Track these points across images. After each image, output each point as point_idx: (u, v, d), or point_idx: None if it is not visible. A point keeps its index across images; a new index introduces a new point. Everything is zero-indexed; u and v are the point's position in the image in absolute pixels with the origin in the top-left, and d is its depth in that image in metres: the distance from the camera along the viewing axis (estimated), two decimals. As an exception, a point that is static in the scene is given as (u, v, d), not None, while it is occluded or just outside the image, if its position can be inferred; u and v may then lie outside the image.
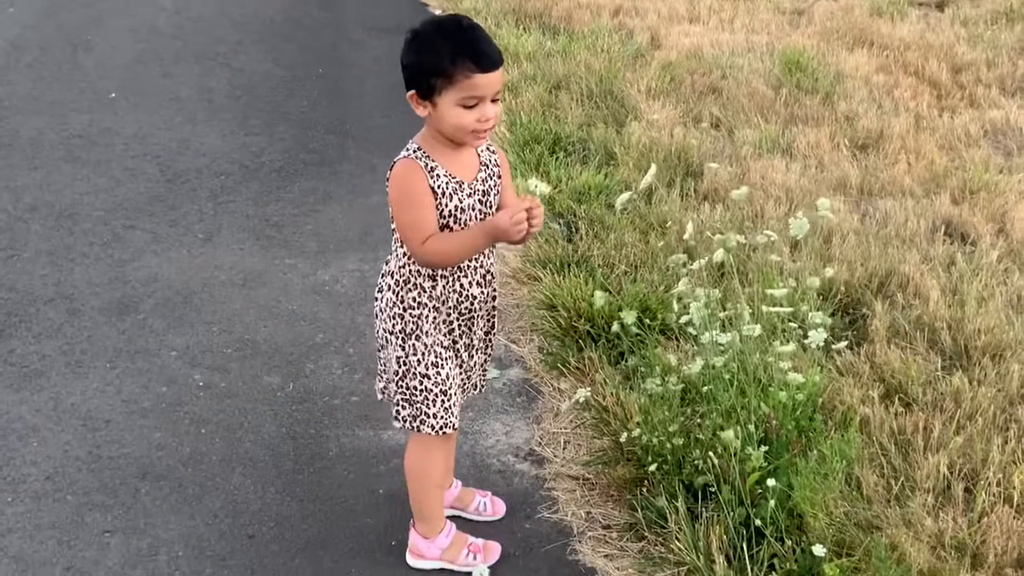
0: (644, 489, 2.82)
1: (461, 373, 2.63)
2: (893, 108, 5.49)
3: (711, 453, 2.66)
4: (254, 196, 4.89)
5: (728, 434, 2.59)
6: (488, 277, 2.57)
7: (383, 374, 2.63)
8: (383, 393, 2.66)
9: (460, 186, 2.43)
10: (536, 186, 2.59)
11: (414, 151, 2.42)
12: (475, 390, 2.76)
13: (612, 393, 3.12)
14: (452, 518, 2.84)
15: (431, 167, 2.39)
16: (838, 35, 6.75)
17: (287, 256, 4.33)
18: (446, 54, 2.29)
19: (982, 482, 2.73)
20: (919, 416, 3.01)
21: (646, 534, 2.73)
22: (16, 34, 7.24)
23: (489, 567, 2.69)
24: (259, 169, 5.20)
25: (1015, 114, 5.39)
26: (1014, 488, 2.71)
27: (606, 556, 2.75)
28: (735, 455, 2.63)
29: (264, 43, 7.27)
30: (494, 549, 2.76)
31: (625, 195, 2.90)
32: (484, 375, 2.77)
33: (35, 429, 3.22)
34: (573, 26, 6.92)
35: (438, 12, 7.88)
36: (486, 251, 2.53)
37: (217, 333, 3.77)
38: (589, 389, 3.01)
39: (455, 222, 2.43)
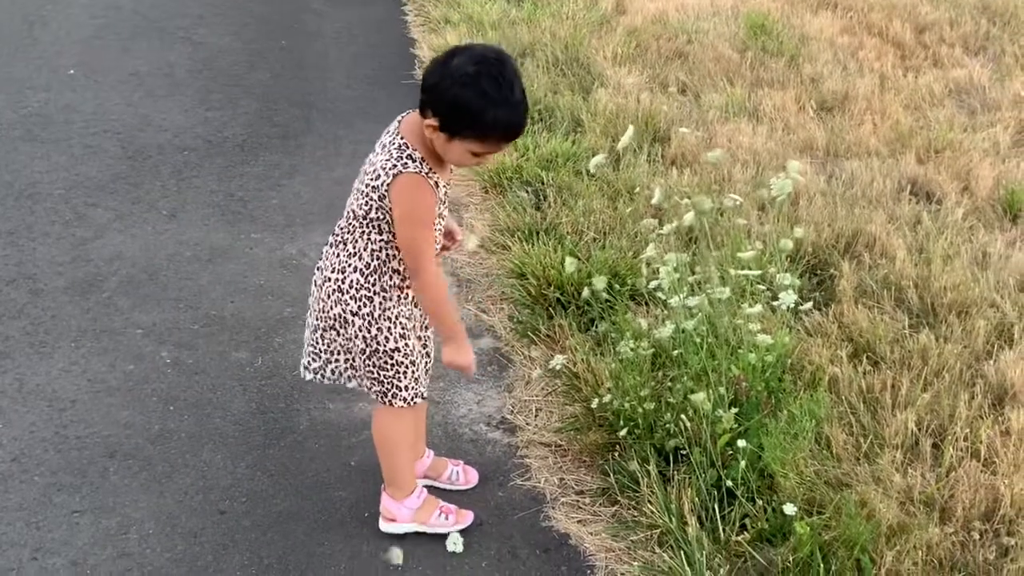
0: (616, 454, 2.83)
1: (424, 352, 2.64)
2: (858, 69, 5.50)
3: (682, 416, 2.67)
4: (218, 171, 4.83)
5: (699, 396, 2.60)
6: (440, 254, 2.59)
7: (319, 354, 2.60)
8: (315, 373, 2.63)
9: (439, 187, 2.42)
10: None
11: (419, 163, 2.34)
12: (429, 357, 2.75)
13: (583, 360, 3.12)
14: (425, 488, 2.83)
15: (435, 181, 2.36)
16: (802, -3, 6.75)
17: (253, 231, 4.29)
18: (489, 117, 2.24)
19: (949, 437, 2.76)
20: (887, 374, 3.03)
21: (619, 498, 2.74)
22: (-30, 11, 7.09)
23: (462, 532, 2.69)
24: (222, 144, 5.13)
25: (978, 73, 5.42)
26: (981, 443, 2.74)
27: (579, 521, 2.76)
28: (706, 418, 2.64)
29: (224, 16, 7.15)
30: (466, 514, 2.78)
31: (599, 157, 2.89)
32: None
33: (0, 411, 3.18)
34: (538, -7, 6.87)
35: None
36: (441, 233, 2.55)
37: (184, 309, 3.73)
38: (565, 356, 3.00)
39: (439, 218, 2.45)
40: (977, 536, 2.48)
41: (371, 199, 2.39)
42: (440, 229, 2.50)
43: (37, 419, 3.14)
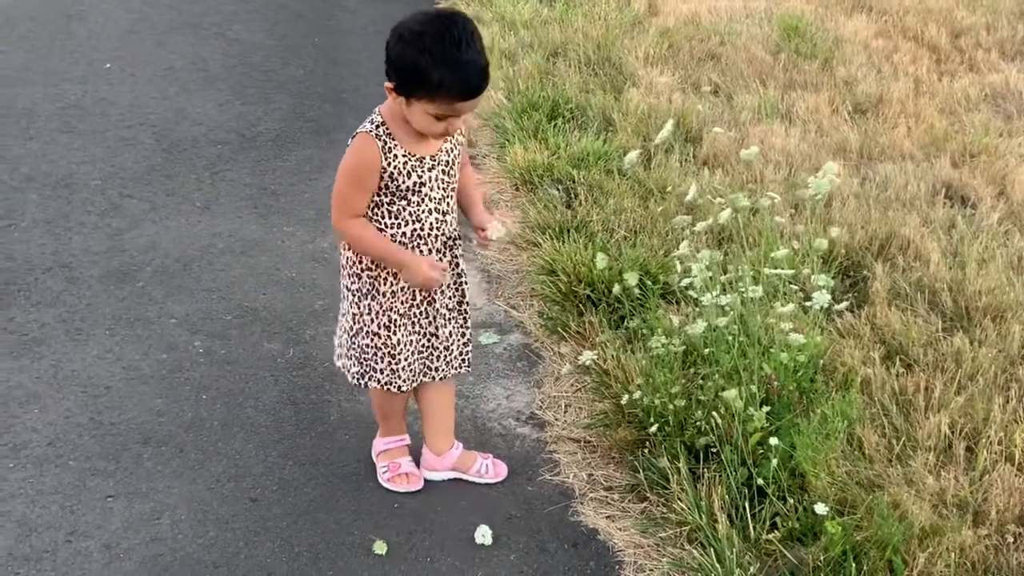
0: (646, 451, 2.83)
1: (430, 345, 2.69)
2: (892, 73, 5.46)
3: (714, 413, 2.66)
4: (251, 165, 4.86)
5: (731, 393, 2.59)
6: (449, 243, 2.62)
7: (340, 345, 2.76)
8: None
9: (420, 162, 2.46)
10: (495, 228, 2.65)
11: (377, 126, 2.43)
12: (462, 366, 2.80)
13: (613, 356, 3.12)
14: (454, 481, 2.88)
15: (389, 147, 2.42)
16: (836, 0, 6.70)
17: (285, 224, 4.32)
18: (435, 75, 2.27)
19: (983, 441, 2.74)
20: (920, 377, 3.01)
21: (648, 495, 2.74)
22: (8, 5, 7.16)
23: (490, 525, 2.70)
24: (256, 138, 5.17)
25: (1015, 78, 5.37)
26: (1015, 446, 2.71)
27: (608, 517, 2.76)
28: (737, 415, 2.63)
29: (258, 13, 7.20)
30: (410, 480, 2.87)
31: (633, 154, 2.89)
32: (466, 348, 2.79)
33: (36, 396, 3.22)
34: (570, -7, 6.87)
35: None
36: (447, 217, 2.58)
37: (216, 300, 3.76)
38: (595, 352, 3.00)
39: (415, 195, 2.49)
40: (1011, 539, 2.46)
41: None
42: (439, 205, 2.54)
43: (72, 405, 3.18)
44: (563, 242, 3.79)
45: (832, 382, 2.98)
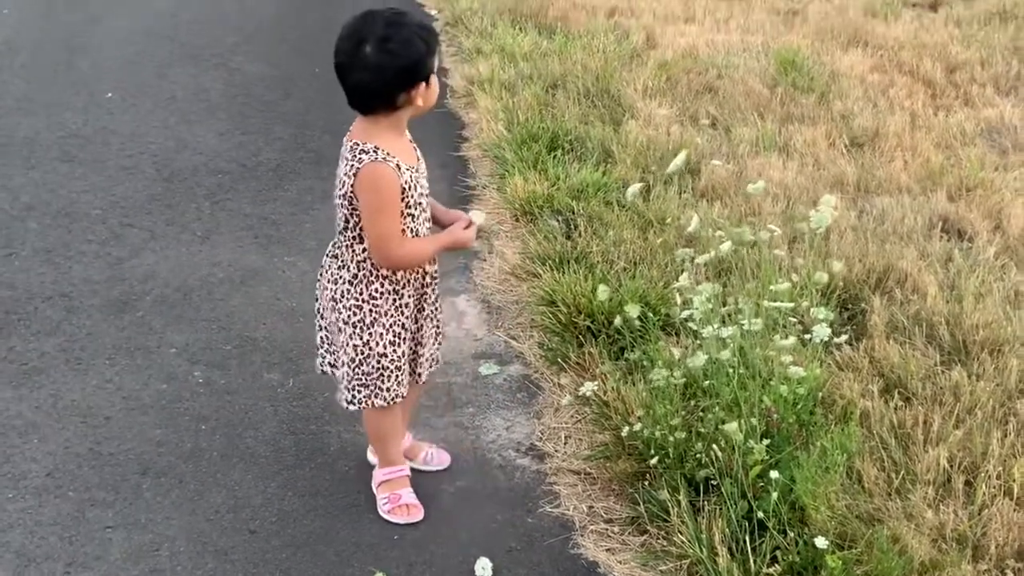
0: (646, 483, 2.83)
1: (418, 347, 2.78)
2: (888, 107, 5.51)
3: (714, 446, 2.67)
4: (252, 195, 4.89)
5: (731, 426, 2.60)
6: None
7: (330, 352, 2.80)
8: (321, 367, 2.87)
9: (415, 172, 2.56)
10: (477, 215, 2.80)
11: (374, 151, 2.46)
12: (434, 363, 2.90)
13: (613, 388, 3.13)
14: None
15: (397, 164, 2.48)
16: (832, 35, 6.77)
17: (286, 254, 4.33)
18: (431, 39, 2.47)
19: (982, 475, 2.74)
20: (919, 410, 3.02)
21: (648, 527, 2.74)
22: (10, 35, 7.21)
23: (491, 560, 2.70)
24: (256, 168, 5.19)
25: (1010, 113, 5.42)
26: (1014, 481, 2.72)
27: (608, 550, 2.76)
28: (738, 448, 2.64)
29: (259, 44, 7.25)
30: (412, 513, 2.87)
31: (636, 186, 2.92)
32: (439, 346, 2.90)
33: (35, 426, 3.21)
34: (569, 26, 6.93)
35: (434, 12, 7.89)
36: (430, 225, 2.70)
37: (216, 330, 3.77)
38: (596, 383, 3.01)
39: (417, 207, 2.57)
40: (1011, 574, 2.46)
41: (344, 210, 2.56)
42: (426, 214, 2.63)
43: (72, 435, 3.18)
44: (563, 273, 3.80)
45: (831, 415, 2.98)
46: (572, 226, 4.25)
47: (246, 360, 3.59)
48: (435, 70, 2.50)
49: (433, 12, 7.90)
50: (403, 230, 2.56)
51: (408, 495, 2.89)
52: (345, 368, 2.73)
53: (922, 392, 3.13)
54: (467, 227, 2.69)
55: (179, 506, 2.90)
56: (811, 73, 5.91)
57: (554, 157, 4.83)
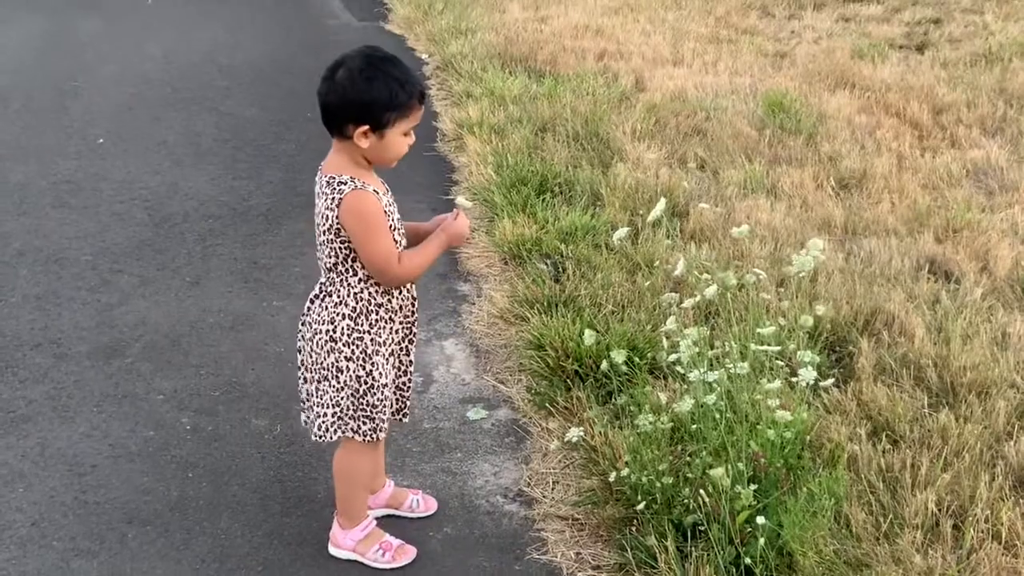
0: (633, 528, 2.82)
1: (398, 376, 2.81)
2: (875, 148, 5.55)
3: (701, 491, 2.66)
4: (242, 239, 4.90)
5: (718, 471, 2.59)
6: None
7: (312, 407, 2.75)
8: (305, 424, 2.83)
9: (389, 196, 2.64)
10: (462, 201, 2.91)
11: (351, 180, 2.52)
12: (404, 409, 2.91)
13: (601, 432, 3.12)
14: (387, 517, 2.98)
15: (372, 189, 2.54)
16: (820, 77, 6.83)
17: (275, 298, 4.34)
18: (403, 89, 2.47)
19: (970, 519, 2.74)
20: (906, 453, 3.02)
21: (636, 574, 2.72)
22: (3, 82, 7.27)
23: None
24: (247, 212, 5.22)
25: (996, 154, 5.45)
26: (1002, 524, 2.71)
27: (596, 597, 2.74)
28: (725, 493, 2.63)
29: (251, 88, 7.31)
30: (407, 552, 2.87)
31: (623, 231, 2.93)
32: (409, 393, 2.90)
33: (21, 475, 3.20)
34: (558, 69, 6.99)
35: (424, 56, 7.96)
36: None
37: (205, 376, 3.77)
38: (582, 429, 3.00)
39: (395, 231, 2.62)
40: (999, 619, 2.45)
41: (332, 245, 2.60)
42: (400, 234, 2.66)
43: (57, 484, 3.16)
44: (551, 317, 3.81)
45: (819, 459, 2.98)
46: (560, 269, 4.27)
47: (234, 406, 3.58)
48: (397, 130, 2.50)
49: (424, 56, 7.98)
50: None
51: (393, 539, 2.89)
52: (346, 400, 2.69)
53: (910, 435, 3.12)
54: (456, 218, 2.71)
55: (164, 556, 2.89)
56: (799, 115, 5.96)
57: (543, 200, 4.86)
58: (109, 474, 3.21)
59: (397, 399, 2.84)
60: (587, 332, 2.99)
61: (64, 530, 2.97)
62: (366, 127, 2.47)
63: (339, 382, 2.67)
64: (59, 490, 3.14)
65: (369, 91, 2.46)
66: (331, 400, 2.69)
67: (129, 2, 9.84)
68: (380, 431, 2.75)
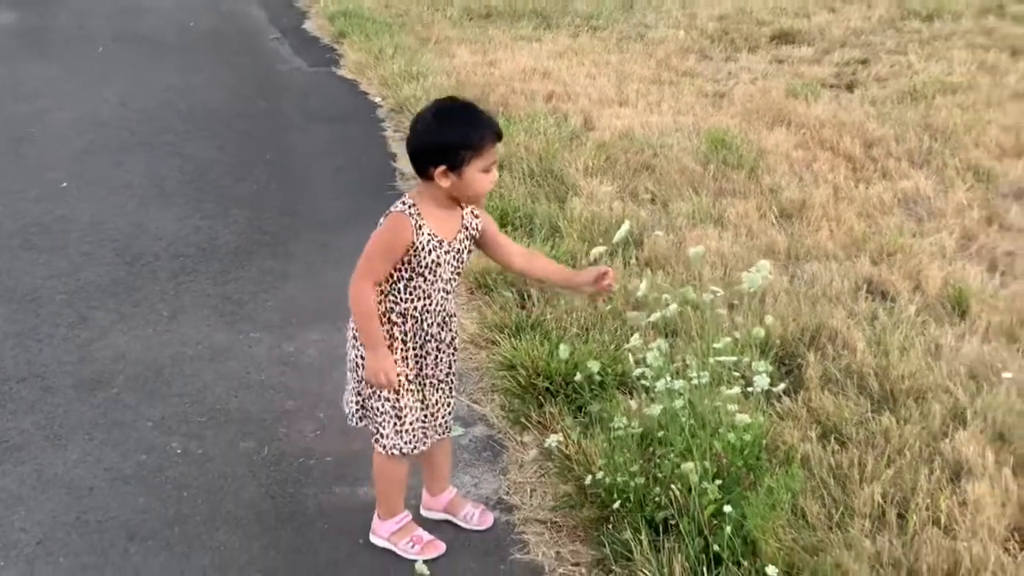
0: (609, 527, 3.05)
1: (424, 408, 2.97)
2: (813, 180, 5.89)
3: (671, 488, 2.90)
4: (213, 276, 5.07)
5: (688, 466, 2.84)
6: (448, 320, 2.95)
7: (345, 394, 3.03)
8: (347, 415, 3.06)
9: (440, 244, 2.80)
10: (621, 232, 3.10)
11: (409, 207, 2.76)
12: (443, 431, 3.08)
13: (575, 441, 3.36)
14: (444, 522, 3.21)
15: (420, 224, 2.76)
16: (758, 115, 7.20)
17: (252, 330, 4.51)
18: (473, 130, 2.70)
19: (912, 508, 3.02)
20: (853, 452, 3.30)
21: (614, 567, 2.95)
22: (-40, 128, 7.35)
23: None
24: (216, 250, 5.38)
25: (923, 184, 5.82)
26: (941, 512, 2.99)
27: (577, 591, 2.96)
28: (694, 488, 2.87)
29: (209, 132, 7.47)
30: (436, 546, 3.10)
31: (599, 248, 3.15)
32: (449, 415, 3.08)
33: (20, 499, 3.34)
34: (510, 111, 7.27)
35: (378, 100, 8.20)
36: (450, 296, 2.91)
37: (190, 404, 3.93)
38: (560, 435, 3.23)
39: (431, 273, 2.81)
40: (942, 594, 2.72)
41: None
42: (443, 284, 2.85)
43: (57, 506, 3.31)
44: (520, 339, 4.04)
45: (775, 459, 3.24)
46: (526, 296, 4.51)
47: (221, 430, 3.75)
48: (474, 168, 2.71)
49: (377, 99, 8.22)
50: (413, 286, 2.81)
51: (425, 533, 3.13)
52: (361, 402, 2.99)
53: (856, 437, 3.41)
54: (389, 380, 2.82)
55: (167, 567, 3.05)
56: (740, 151, 6.29)
57: (505, 233, 5.09)
58: (107, 495, 3.37)
59: (422, 428, 2.97)
60: (562, 346, 3.23)
61: (69, 547, 3.11)
62: (444, 167, 2.70)
63: (359, 374, 2.91)
64: (60, 511, 3.28)
65: (442, 134, 2.70)
66: (354, 388, 2.96)
67: (80, 49, 9.96)
68: (377, 443, 2.96)
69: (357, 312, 2.81)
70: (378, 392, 2.89)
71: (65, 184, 6.36)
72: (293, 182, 6.47)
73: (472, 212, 2.89)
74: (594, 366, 3.15)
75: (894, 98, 7.57)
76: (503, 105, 7.43)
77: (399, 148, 7.00)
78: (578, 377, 3.26)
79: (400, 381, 2.87)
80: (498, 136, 2.76)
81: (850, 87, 8.07)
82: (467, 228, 2.87)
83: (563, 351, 3.22)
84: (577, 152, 6.34)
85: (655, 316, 3.08)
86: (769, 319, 3.26)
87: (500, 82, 8.04)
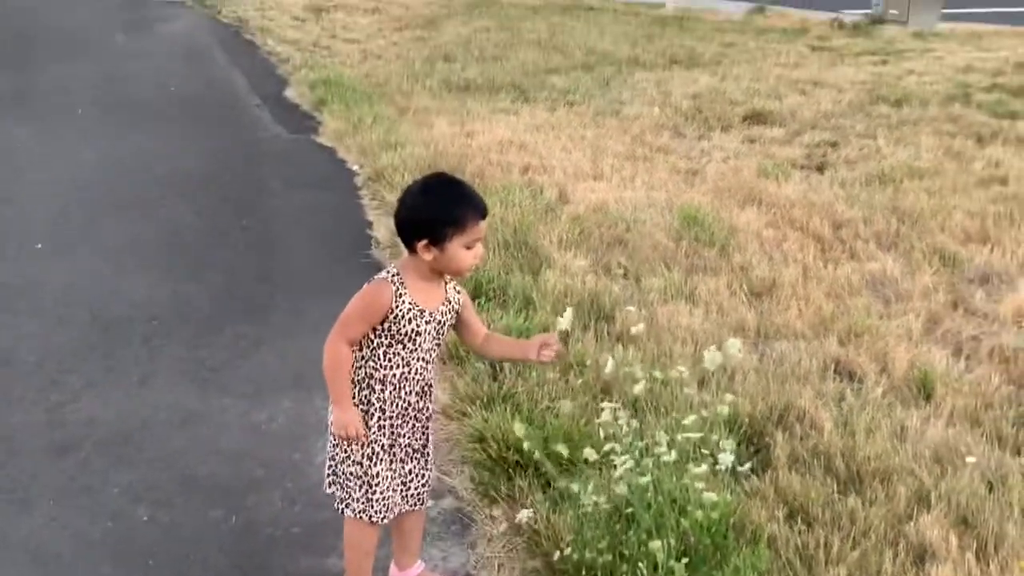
0: (577, 604, 3.05)
1: (396, 478, 2.99)
2: (783, 259, 6.00)
3: (639, 565, 2.92)
4: (187, 341, 5.07)
5: (655, 543, 2.86)
6: (427, 389, 2.97)
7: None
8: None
9: (421, 313, 2.85)
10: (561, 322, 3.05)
11: (393, 275, 2.83)
12: (415, 503, 3.08)
13: (544, 516, 3.37)
14: None
15: (401, 293, 2.82)
16: (729, 193, 7.32)
17: (223, 397, 4.51)
18: (457, 207, 2.76)
19: (878, 590, 3.04)
20: (820, 533, 3.33)
21: (580, 645, 2.95)
22: (-63, 187, 7.36)
23: None
24: (190, 316, 5.39)
25: (891, 266, 5.93)
26: (906, 595, 3.02)
27: (543, 669, 2.95)
28: (661, 566, 2.89)
29: (186, 196, 7.50)
30: None
31: (569, 312, 3.18)
32: (424, 487, 3.08)
33: (-17, 564, 3.31)
34: (486, 182, 7.35)
35: (356, 168, 8.29)
36: (429, 366, 2.93)
37: (159, 470, 3.91)
38: (532, 510, 3.25)
39: (410, 342, 2.86)
40: (906, 678, 2.73)
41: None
42: (422, 353, 2.89)
43: (21, 572, 3.28)
44: (491, 412, 4.07)
45: (742, 539, 3.27)
46: (498, 368, 4.54)
47: (190, 498, 3.73)
48: (456, 244, 2.75)
49: (355, 167, 8.30)
50: (392, 353, 2.85)
51: None
52: (333, 463, 3.01)
53: (822, 517, 3.44)
54: (359, 433, 2.88)
55: (130, 639, 3.02)
56: (712, 228, 6.40)
57: (478, 304, 5.15)
58: (72, 563, 3.34)
59: (393, 497, 3.00)
60: (516, 424, 3.25)
61: (31, 616, 3.08)
62: (426, 241, 2.76)
63: (333, 439, 2.93)
64: (23, 578, 3.25)
65: (426, 209, 2.77)
66: (328, 453, 2.98)
67: (59, 111, 10.03)
68: (347, 507, 2.96)
69: (326, 366, 2.86)
70: (351, 458, 2.90)
71: (40, 245, 6.37)
72: (269, 248, 6.51)
73: (455, 288, 2.95)
74: (564, 450, 3.19)
75: (863, 180, 7.72)
76: (479, 176, 7.53)
77: (376, 216, 7.07)
78: (537, 456, 3.29)
79: (374, 450, 2.89)
80: (482, 214, 2.80)
81: (820, 168, 8.22)
82: (450, 302, 2.93)
83: (518, 429, 3.24)
84: (552, 225, 6.43)
85: (620, 399, 3.11)
86: (729, 397, 3.31)
87: (477, 153, 8.16)
